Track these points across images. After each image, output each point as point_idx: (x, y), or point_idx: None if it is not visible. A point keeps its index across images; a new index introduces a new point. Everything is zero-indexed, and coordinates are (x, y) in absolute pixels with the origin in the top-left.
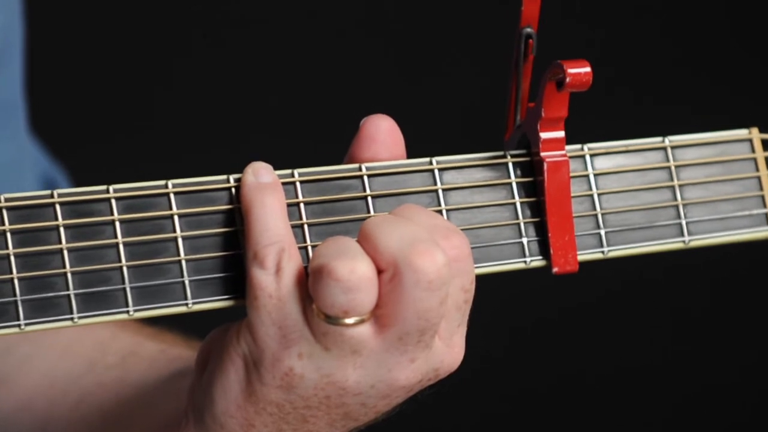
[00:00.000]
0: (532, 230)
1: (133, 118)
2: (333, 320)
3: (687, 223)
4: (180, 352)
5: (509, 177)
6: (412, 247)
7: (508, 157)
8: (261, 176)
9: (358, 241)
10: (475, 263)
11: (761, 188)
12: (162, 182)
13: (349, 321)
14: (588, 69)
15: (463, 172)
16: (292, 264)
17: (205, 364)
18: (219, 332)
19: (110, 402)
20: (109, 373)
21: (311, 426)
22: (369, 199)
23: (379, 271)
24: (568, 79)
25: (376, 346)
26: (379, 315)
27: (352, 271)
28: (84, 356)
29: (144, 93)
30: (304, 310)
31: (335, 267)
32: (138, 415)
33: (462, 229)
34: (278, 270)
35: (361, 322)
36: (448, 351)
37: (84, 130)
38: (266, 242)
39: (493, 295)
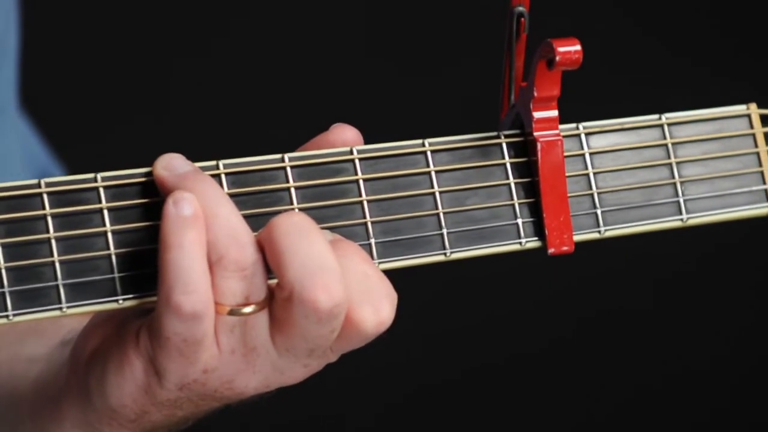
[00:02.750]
0: (526, 211)
1: (129, 110)
2: (235, 311)
3: (685, 201)
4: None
5: (503, 158)
6: (312, 277)
7: (502, 137)
8: (181, 207)
9: (259, 238)
10: (470, 246)
11: (760, 164)
12: (148, 169)
13: (247, 310)
14: (578, 47)
15: (455, 153)
16: (209, 311)
17: (90, 349)
18: (111, 325)
19: None
20: None
21: (202, 409)
22: (361, 182)
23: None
24: (558, 58)
25: (272, 348)
26: (273, 317)
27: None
28: None
29: (138, 86)
30: (215, 331)
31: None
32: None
33: (455, 212)
34: (193, 318)
35: (260, 309)
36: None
37: (81, 124)
38: (182, 290)
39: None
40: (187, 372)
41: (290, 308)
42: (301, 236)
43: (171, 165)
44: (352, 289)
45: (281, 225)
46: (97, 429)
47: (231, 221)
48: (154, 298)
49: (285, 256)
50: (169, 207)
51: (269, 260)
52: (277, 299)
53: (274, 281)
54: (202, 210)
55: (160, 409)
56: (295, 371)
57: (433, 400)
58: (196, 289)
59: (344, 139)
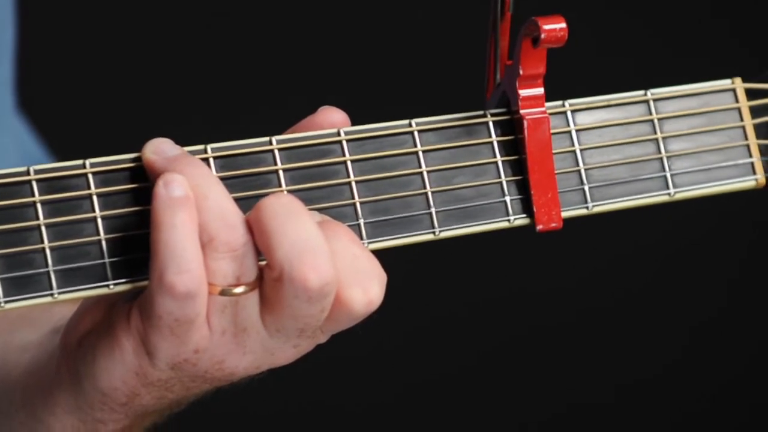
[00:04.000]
0: (514, 189)
1: (126, 110)
2: (226, 291)
3: (672, 176)
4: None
5: (490, 136)
6: (300, 257)
7: (488, 116)
8: (171, 188)
9: (248, 219)
10: (458, 224)
11: (746, 137)
12: (137, 155)
13: (238, 290)
14: (563, 25)
15: (442, 132)
16: (202, 291)
17: (80, 334)
18: (101, 309)
19: None
20: None
21: (193, 391)
22: (348, 163)
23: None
24: (543, 36)
25: (262, 328)
26: (263, 297)
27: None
28: None
29: (132, 85)
30: (206, 311)
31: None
32: None
33: (443, 191)
34: (186, 297)
35: (251, 289)
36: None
37: (77, 124)
38: (175, 270)
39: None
40: (179, 351)
41: (280, 288)
42: (289, 217)
43: (160, 149)
44: (341, 270)
45: (269, 206)
46: (88, 414)
47: (221, 203)
48: (144, 283)
49: (274, 237)
50: (160, 188)
51: (258, 241)
52: (267, 280)
53: (263, 262)
54: (192, 192)
55: (150, 391)
56: (285, 352)
57: (424, 395)
58: (189, 269)
59: (331, 121)
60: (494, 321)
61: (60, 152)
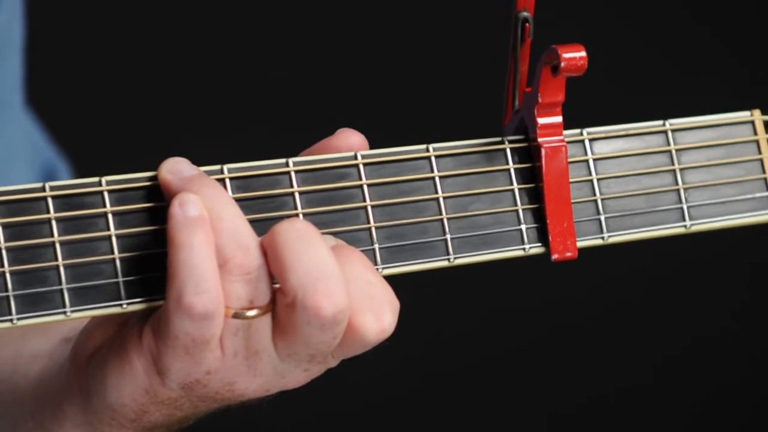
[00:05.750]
0: (530, 217)
1: (134, 110)
2: (240, 314)
3: (688, 208)
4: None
5: (507, 163)
6: (314, 284)
7: (506, 143)
8: (187, 209)
9: (263, 243)
10: (474, 251)
11: (764, 171)
12: (153, 173)
13: (251, 313)
14: (583, 53)
15: (459, 158)
16: (220, 311)
17: (91, 349)
18: (112, 326)
19: None
20: None
21: (202, 410)
22: (365, 187)
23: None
24: (563, 64)
25: (273, 352)
26: (276, 321)
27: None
28: None
29: (143, 85)
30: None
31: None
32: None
33: (459, 217)
34: (204, 318)
35: (263, 313)
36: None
37: (84, 115)
38: (194, 291)
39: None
40: (191, 372)
41: (293, 314)
42: (303, 243)
43: (176, 169)
44: (354, 297)
45: (284, 231)
46: (96, 428)
47: (236, 224)
48: (158, 302)
49: (288, 263)
50: (175, 209)
51: (272, 266)
52: (280, 304)
53: (277, 286)
54: (207, 213)
55: (159, 409)
56: (296, 376)
57: (426, 400)
58: (208, 289)
59: (349, 143)
60: (500, 329)
61: (68, 149)
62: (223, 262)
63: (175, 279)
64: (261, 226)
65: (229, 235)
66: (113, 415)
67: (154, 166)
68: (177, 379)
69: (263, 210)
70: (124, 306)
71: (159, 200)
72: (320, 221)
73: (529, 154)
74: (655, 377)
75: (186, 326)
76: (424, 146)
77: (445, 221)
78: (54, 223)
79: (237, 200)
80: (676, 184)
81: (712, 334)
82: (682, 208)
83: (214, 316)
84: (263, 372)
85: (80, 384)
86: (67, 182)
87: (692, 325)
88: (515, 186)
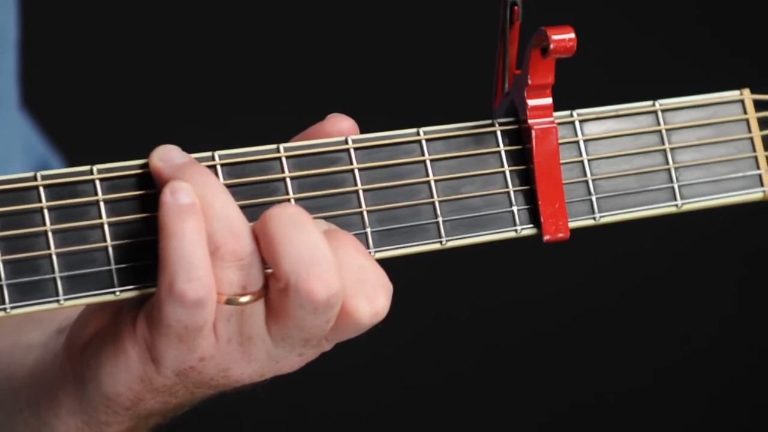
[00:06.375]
0: (521, 199)
1: (125, 101)
2: (232, 300)
3: (679, 187)
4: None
5: (497, 145)
6: (307, 268)
7: (496, 125)
8: (179, 197)
9: (254, 229)
10: (466, 233)
11: (754, 149)
12: (144, 161)
13: (244, 299)
14: (572, 35)
15: (450, 141)
16: (212, 298)
17: (85, 338)
18: (106, 314)
19: None
20: None
21: (197, 396)
22: (356, 171)
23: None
24: (552, 46)
25: (267, 337)
26: (269, 306)
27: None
28: None
29: (133, 76)
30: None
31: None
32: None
33: (451, 200)
34: (196, 305)
35: (256, 298)
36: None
37: (78, 112)
38: (185, 278)
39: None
40: (185, 359)
41: (286, 298)
42: (295, 228)
43: (167, 156)
44: (347, 280)
45: (276, 217)
46: (92, 417)
47: (228, 211)
48: (151, 290)
49: (280, 248)
50: (167, 196)
51: (264, 252)
52: (273, 289)
53: (269, 271)
54: (199, 200)
55: (154, 396)
56: (290, 360)
57: (424, 398)
58: (199, 276)
59: (340, 128)
60: (494, 324)
61: (63, 149)
62: (214, 248)
63: (167, 267)
64: (252, 212)
65: (221, 222)
66: (108, 403)
67: (145, 154)
68: (171, 367)
69: (255, 196)
70: (117, 293)
71: (150, 188)
72: (312, 206)
73: (519, 136)
74: (654, 377)
75: (178, 314)
76: (414, 130)
77: (437, 204)
78: (46, 211)
79: (228, 186)
80: (667, 163)
81: (711, 332)
82: (673, 188)
83: (206, 303)
84: (258, 357)
85: (75, 373)
86: (59, 171)
87: (688, 322)
88: (506, 168)
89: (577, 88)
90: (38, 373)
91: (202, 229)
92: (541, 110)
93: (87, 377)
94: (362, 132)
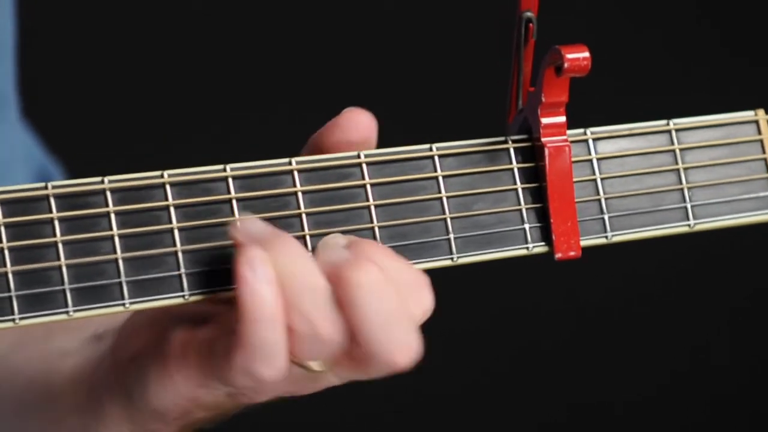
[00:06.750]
0: (533, 216)
1: (127, 109)
2: (305, 366)
3: (692, 207)
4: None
5: (510, 162)
6: (390, 339)
7: (509, 142)
8: (258, 271)
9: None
10: (477, 251)
11: (767, 170)
12: (158, 173)
13: (316, 367)
14: (586, 54)
15: (463, 158)
16: (286, 372)
17: (131, 352)
18: (153, 332)
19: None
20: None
21: (243, 404)
22: (368, 187)
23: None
24: (566, 65)
25: (333, 376)
26: (341, 362)
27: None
28: None
29: (138, 84)
30: None
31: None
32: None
33: (462, 216)
34: (270, 381)
35: (329, 365)
36: None
37: (78, 122)
38: (264, 364)
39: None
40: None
41: (364, 360)
42: (375, 293)
43: (246, 228)
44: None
45: (354, 281)
46: (140, 425)
47: (310, 283)
48: (162, 302)
49: (363, 317)
50: (245, 270)
51: (344, 316)
52: (352, 352)
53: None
54: (280, 272)
55: (203, 410)
56: (331, 383)
57: (431, 407)
58: (277, 359)
59: (357, 123)
60: (500, 332)
61: (63, 158)
62: (292, 322)
63: (244, 348)
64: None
65: (304, 297)
66: (155, 415)
67: (154, 165)
68: (225, 393)
69: (266, 209)
70: (127, 305)
71: (162, 199)
72: (323, 221)
73: (532, 153)
74: (657, 388)
75: (249, 383)
76: (427, 146)
77: (449, 220)
78: (56, 222)
79: (240, 200)
80: (680, 183)
81: (715, 340)
82: (686, 207)
83: (280, 378)
84: (314, 387)
85: (120, 384)
86: (70, 182)
87: (693, 332)
88: (519, 185)
89: (589, 99)
90: (78, 379)
91: (282, 309)
92: (555, 128)
93: (134, 390)
94: (375, 147)
